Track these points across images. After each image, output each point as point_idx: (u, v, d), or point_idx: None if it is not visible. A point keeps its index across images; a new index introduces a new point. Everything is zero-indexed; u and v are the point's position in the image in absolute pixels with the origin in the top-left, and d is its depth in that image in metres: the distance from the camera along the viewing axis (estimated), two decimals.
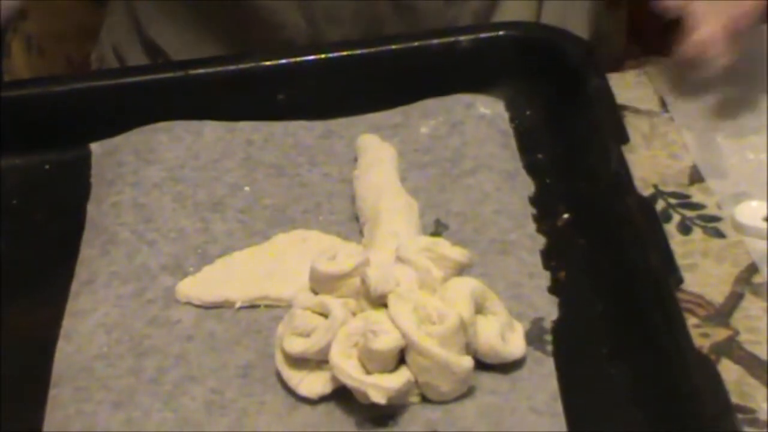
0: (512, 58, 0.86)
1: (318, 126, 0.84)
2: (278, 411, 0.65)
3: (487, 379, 0.66)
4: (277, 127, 0.84)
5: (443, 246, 0.69)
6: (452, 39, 0.86)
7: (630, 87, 0.91)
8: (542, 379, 0.66)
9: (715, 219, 0.79)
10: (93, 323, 0.71)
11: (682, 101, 0.89)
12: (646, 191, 0.81)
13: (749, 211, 0.78)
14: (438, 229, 0.76)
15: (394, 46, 0.87)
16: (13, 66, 1.17)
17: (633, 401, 0.65)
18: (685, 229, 0.78)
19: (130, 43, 1.04)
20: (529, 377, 0.66)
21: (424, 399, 0.65)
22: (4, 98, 0.84)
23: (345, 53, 0.86)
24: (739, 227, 0.78)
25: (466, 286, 0.66)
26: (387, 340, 0.64)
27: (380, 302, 0.66)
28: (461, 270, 0.68)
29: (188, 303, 0.72)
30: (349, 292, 0.67)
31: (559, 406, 0.64)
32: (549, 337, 0.68)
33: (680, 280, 0.68)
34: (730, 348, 0.70)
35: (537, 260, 0.73)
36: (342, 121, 0.85)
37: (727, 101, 0.88)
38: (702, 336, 0.71)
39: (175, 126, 0.84)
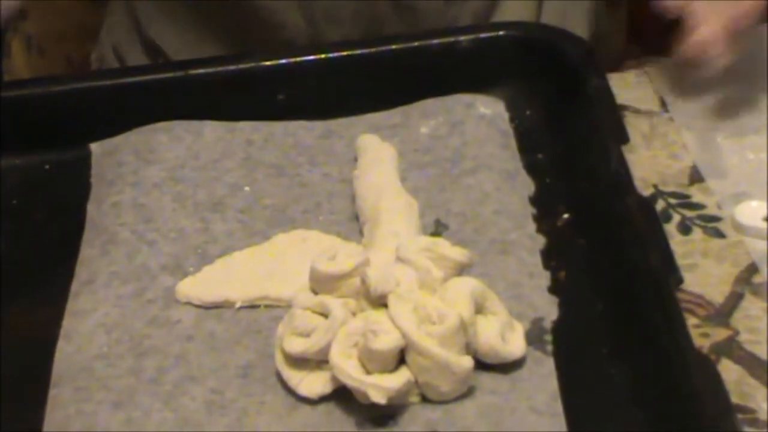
0: (512, 58, 0.86)
1: (318, 126, 0.84)
2: (278, 411, 0.65)
3: (487, 379, 0.66)
4: (277, 127, 0.84)
5: (443, 246, 0.69)
6: (452, 39, 0.86)
7: (630, 87, 0.91)
8: (542, 379, 0.66)
9: (715, 219, 0.79)
10: (93, 323, 0.71)
11: (682, 101, 0.89)
12: (646, 191, 0.81)
13: (749, 211, 0.78)
14: (438, 229, 0.76)
15: (394, 46, 0.87)
16: (13, 66, 1.17)
17: (633, 401, 0.65)
18: (685, 229, 0.78)
19: (130, 43, 1.03)
20: (529, 377, 0.66)
21: (424, 399, 0.65)
22: (4, 98, 0.84)
23: (345, 53, 0.86)
24: (739, 227, 0.78)
25: (466, 286, 0.66)
26: (387, 340, 0.64)
27: (380, 302, 0.66)
28: (461, 270, 0.68)
29: (188, 303, 0.72)
30: (349, 292, 0.67)
31: (559, 406, 0.64)
32: (549, 337, 0.68)
33: (680, 280, 0.68)
34: (730, 348, 0.70)
35: (537, 260, 0.73)
36: (342, 121, 0.85)
37: (727, 101, 0.88)
38: (702, 336, 0.71)
39: (175, 126, 0.84)
